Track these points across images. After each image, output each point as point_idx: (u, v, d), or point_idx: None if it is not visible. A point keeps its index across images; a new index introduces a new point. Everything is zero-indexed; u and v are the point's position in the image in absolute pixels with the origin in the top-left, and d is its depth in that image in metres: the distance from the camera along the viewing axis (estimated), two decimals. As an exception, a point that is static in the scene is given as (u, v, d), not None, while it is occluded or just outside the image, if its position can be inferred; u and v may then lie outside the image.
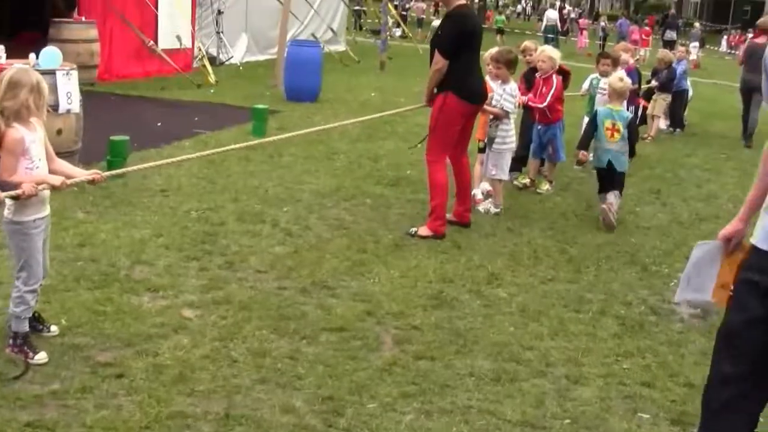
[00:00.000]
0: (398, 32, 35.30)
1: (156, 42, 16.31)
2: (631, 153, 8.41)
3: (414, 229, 7.30)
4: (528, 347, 5.20)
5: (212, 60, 18.93)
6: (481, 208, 8.19)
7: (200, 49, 16.69)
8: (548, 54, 9.28)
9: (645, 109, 13.54)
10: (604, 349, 5.27)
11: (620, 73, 9.71)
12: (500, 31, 38.01)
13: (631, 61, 12.35)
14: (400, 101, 14.45)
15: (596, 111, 8.66)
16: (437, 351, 5.05)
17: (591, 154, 8.65)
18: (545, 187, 9.37)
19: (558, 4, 50.45)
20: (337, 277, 6.19)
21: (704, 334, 5.63)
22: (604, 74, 10.59)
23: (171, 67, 16.29)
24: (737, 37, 50.88)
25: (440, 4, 18.32)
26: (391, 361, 4.86)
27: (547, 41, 34.68)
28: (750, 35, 46.06)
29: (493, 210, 8.22)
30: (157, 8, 16.64)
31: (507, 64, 8.02)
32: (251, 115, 11.42)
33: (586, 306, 5.96)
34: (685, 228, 8.32)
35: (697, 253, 4.08)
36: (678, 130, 14.68)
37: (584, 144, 8.41)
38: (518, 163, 9.65)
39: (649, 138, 13.35)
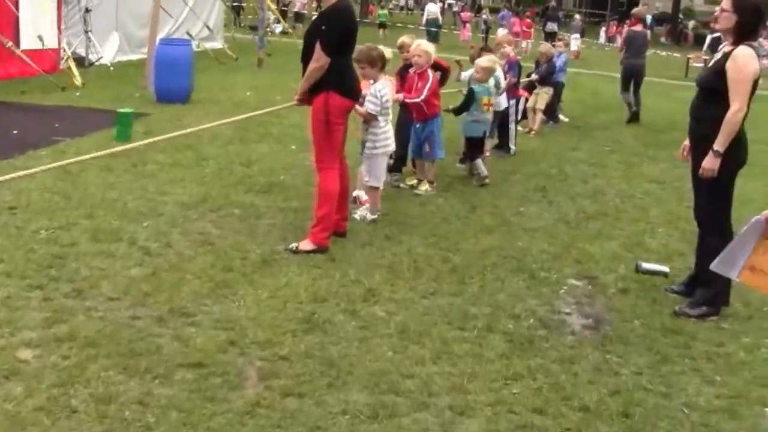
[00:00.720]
0: (278, 28, 34.51)
1: (17, 42, 15.27)
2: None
3: (294, 245, 6.70)
4: (408, 375, 4.69)
5: (81, 61, 17.97)
6: (357, 215, 7.67)
7: (65, 50, 15.66)
8: (423, 48, 8.84)
9: (527, 100, 13.28)
10: (491, 372, 4.80)
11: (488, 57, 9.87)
12: (382, 26, 37.69)
13: (512, 53, 12.04)
14: (277, 99, 13.77)
15: (472, 88, 9.43)
16: (307, 385, 4.49)
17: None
18: (424, 188, 8.93)
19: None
20: (198, 301, 5.56)
21: (597, 347, 5.25)
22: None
23: (34, 69, 15.28)
24: (615, 27, 51.84)
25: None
26: (255, 401, 4.28)
27: (429, 35, 34.57)
28: (626, 25, 47.16)
29: (369, 216, 7.70)
30: (17, 7, 15.61)
31: (369, 62, 7.48)
32: (115, 120, 10.63)
33: (471, 322, 5.49)
34: (573, 228, 7.98)
35: (748, 226, 3.92)
36: (551, 122, 14.47)
37: (457, 112, 9.41)
38: (399, 162, 9.21)
39: (533, 132, 13.09)
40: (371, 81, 7.51)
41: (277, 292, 5.76)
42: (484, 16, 41.07)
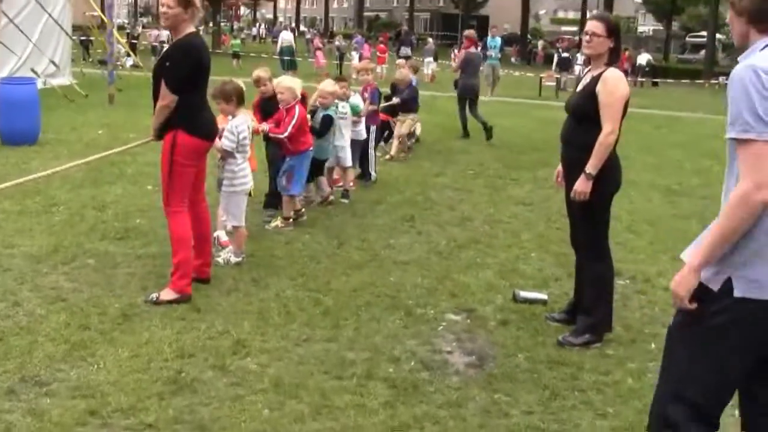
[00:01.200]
0: (129, 62, 33.56)
1: None
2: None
3: (155, 295, 6.30)
4: (287, 436, 4.38)
5: None
6: (219, 259, 7.30)
7: None
8: (285, 85, 8.54)
9: (388, 124, 13.21)
10: (376, 424, 4.53)
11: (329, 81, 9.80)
12: (236, 56, 37.23)
13: (370, 78, 11.88)
14: (130, 137, 13.21)
15: (328, 115, 9.37)
16: (178, 456, 4.12)
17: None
18: (274, 223, 8.66)
19: (291, 25, 50.25)
20: (53, 366, 5.09)
21: (483, 386, 5.07)
22: (344, 98, 10.07)
23: None
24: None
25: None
26: (120, 480, 3.89)
27: (283, 63, 34.32)
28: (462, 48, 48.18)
29: (233, 259, 7.35)
30: None
31: (224, 97, 7.18)
32: (-48, 168, 9.92)
33: (350, 369, 5.21)
34: (445, 258, 7.82)
35: None
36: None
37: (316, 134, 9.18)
38: (272, 198, 8.92)
39: (389, 157, 12.97)
40: (229, 117, 7.20)
41: (140, 350, 5.35)
42: (336, 43, 41.02)
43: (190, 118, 6.24)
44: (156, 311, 6.07)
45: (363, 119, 10.82)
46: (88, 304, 6.19)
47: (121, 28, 64.95)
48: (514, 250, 8.15)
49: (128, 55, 33.97)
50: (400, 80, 13.71)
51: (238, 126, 7.19)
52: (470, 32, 18.98)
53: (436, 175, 12.04)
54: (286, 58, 34.01)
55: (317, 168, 9.52)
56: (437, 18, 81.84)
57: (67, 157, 11.68)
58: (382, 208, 9.74)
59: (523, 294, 6.66)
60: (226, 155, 7.23)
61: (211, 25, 61.34)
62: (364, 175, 11.19)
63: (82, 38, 35.18)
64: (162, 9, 6.19)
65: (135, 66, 32.19)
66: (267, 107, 8.88)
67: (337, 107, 10.01)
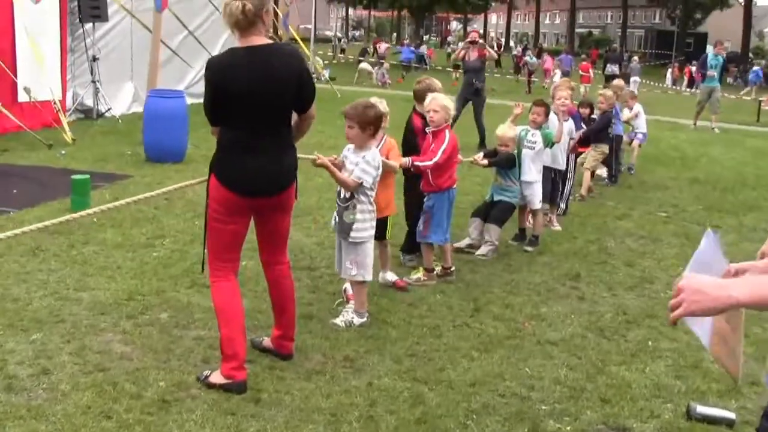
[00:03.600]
0: (327, 73, 33.11)
1: (13, 94, 13.95)
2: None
3: (206, 373, 4.92)
4: None
5: (89, 113, 16.63)
6: (339, 321, 5.88)
7: (55, 102, 14.20)
8: (441, 103, 6.97)
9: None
10: None
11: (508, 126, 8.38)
12: (457, 67, 35.97)
13: (569, 101, 9.97)
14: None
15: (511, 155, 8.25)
16: None
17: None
18: (415, 276, 7.15)
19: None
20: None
21: None
22: (536, 125, 8.44)
23: (39, 121, 13.89)
24: (677, 69, 49.49)
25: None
26: None
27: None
28: (693, 68, 44.82)
29: (356, 320, 5.92)
30: (15, 57, 14.29)
31: (361, 122, 5.76)
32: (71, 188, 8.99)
33: None
34: (606, 338, 5.99)
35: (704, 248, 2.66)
36: (607, 181, 12.50)
37: (495, 164, 8.20)
38: (414, 244, 7.44)
39: (579, 197, 11.05)
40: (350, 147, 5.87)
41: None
42: (525, 58, 38.42)
43: (221, 160, 4.82)
44: (205, 397, 4.69)
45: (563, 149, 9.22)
46: (129, 379, 4.89)
47: (327, 41, 65.94)
48: (702, 333, 6.19)
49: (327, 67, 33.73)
50: (607, 97, 11.80)
51: (376, 157, 5.83)
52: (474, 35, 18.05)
53: (618, 218, 10.08)
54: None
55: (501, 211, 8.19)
56: (652, 35, 77.83)
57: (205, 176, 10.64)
58: (543, 260, 7.97)
59: (702, 409, 4.78)
60: (358, 192, 5.82)
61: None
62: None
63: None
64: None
65: (332, 78, 31.73)
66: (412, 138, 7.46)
67: (526, 135, 8.43)
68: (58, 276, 6.71)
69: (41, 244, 7.48)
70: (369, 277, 6.02)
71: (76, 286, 6.49)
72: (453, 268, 7.23)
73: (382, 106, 6.49)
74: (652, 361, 5.58)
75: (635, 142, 13.84)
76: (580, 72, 32.36)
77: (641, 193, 11.86)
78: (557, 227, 9.19)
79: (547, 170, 8.87)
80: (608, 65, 34.04)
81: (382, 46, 39.77)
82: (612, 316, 6.45)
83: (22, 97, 14.04)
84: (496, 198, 8.25)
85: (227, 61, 4.78)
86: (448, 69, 36.76)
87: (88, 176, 9.06)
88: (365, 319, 5.96)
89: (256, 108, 4.68)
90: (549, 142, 8.48)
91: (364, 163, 5.81)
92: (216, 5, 19.95)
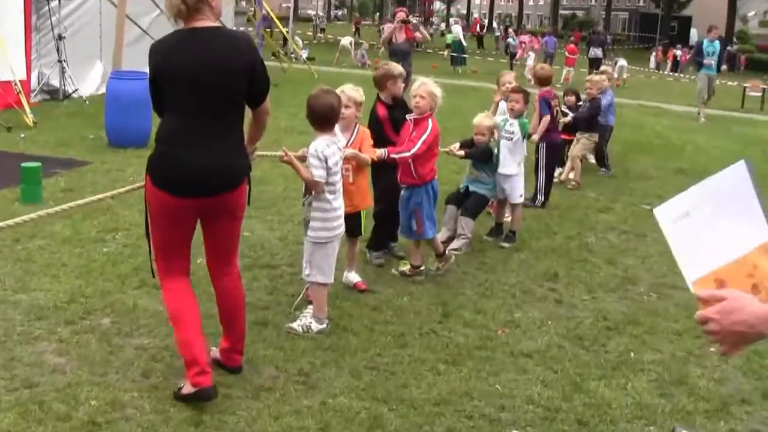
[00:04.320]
0: (305, 53, 32.43)
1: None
2: None
3: (181, 385, 4.46)
4: None
5: (54, 93, 16.04)
6: (296, 325, 5.42)
7: (16, 83, 13.59)
8: (429, 89, 6.52)
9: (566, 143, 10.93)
10: None
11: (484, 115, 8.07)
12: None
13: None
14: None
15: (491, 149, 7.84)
16: None
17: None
18: (403, 268, 6.83)
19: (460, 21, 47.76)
20: None
21: None
22: (515, 114, 7.98)
23: (2, 102, 13.29)
24: (661, 52, 49.01)
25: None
26: None
27: (451, 59, 32.33)
28: (678, 51, 44.36)
29: (314, 326, 5.45)
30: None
31: (308, 113, 5.38)
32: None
33: None
34: (585, 349, 5.54)
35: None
36: (604, 170, 12.06)
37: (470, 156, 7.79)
38: (383, 240, 7.01)
39: (573, 183, 10.67)
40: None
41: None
42: (508, 40, 37.69)
43: (154, 155, 4.35)
44: (140, 420, 4.23)
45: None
46: (58, 396, 4.43)
47: (308, 20, 65.13)
48: (686, 342, 5.75)
49: (305, 47, 33.14)
50: (596, 84, 11.42)
51: (321, 149, 5.28)
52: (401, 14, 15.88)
53: (600, 210, 9.63)
54: (454, 54, 32.17)
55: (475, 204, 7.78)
56: (636, 18, 77.53)
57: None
58: (520, 257, 7.52)
59: (685, 432, 4.36)
60: (314, 188, 5.36)
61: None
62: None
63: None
64: None
65: (311, 59, 31.14)
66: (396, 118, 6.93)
67: (504, 125, 7.97)
68: (-2, 274, 6.22)
69: (-18, 238, 6.97)
70: (326, 280, 5.53)
71: (16, 286, 5.99)
72: (423, 267, 6.80)
73: (351, 93, 6.06)
74: (634, 376, 5.14)
75: None
76: (566, 54, 31.83)
77: (624, 183, 11.42)
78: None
79: None
80: (591, 48, 33.42)
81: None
82: (592, 323, 6.00)
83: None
84: (471, 189, 7.81)
85: (166, 42, 4.31)
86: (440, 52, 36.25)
87: (39, 164, 8.53)
88: (324, 325, 5.49)
89: (192, 93, 4.22)
90: (525, 133, 8.02)
91: (309, 156, 5.33)
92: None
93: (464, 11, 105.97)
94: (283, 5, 40.39)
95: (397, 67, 7.07)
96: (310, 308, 5.63)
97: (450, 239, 7.58)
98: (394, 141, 6.75)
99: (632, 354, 5.49)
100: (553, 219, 9.01)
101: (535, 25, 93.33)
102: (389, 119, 6.87)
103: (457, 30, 34.41)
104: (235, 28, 23.00)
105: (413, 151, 6.43)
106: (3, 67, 13.50)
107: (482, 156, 7.73)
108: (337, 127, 5.52)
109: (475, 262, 7.27)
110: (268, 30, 29.11)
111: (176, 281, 4.48)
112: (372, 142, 6.38)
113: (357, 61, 32.51)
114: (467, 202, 7.73)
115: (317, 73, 24.11)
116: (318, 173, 5.28)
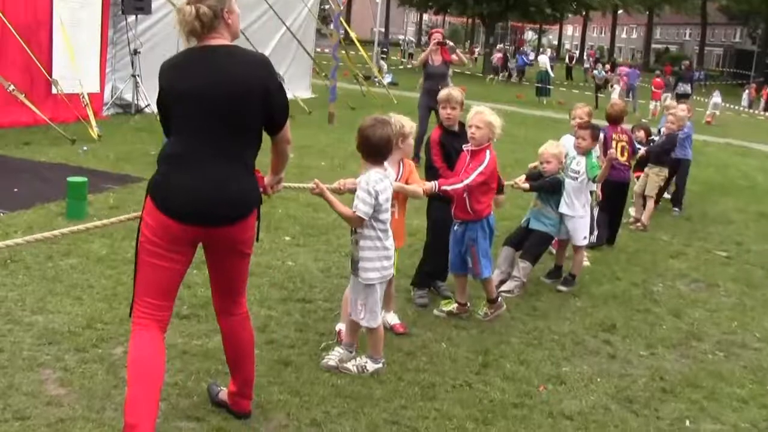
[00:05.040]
0: (388, 78, 32.33)
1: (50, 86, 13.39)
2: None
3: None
4: None
5: (127, 107, 16.04)
6: (351, 365, 5.12)
7: (83, 96, 13.56)
8: (486, 119, 6.02)
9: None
10: None
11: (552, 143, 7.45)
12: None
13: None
14: (321, 164, 11.46)
15: (559, 180, 7.29)
16: None
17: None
18: (448, 308, 6.36)
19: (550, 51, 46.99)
20: None
21: None
22: (582, 151, 7.47)
23: (71, 114, 13.27)
24: (755, 90, 47.40)
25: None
26: None
27: (537, 90, 31.76)
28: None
29: (370, 366, 5.13)
30: (51, 47, 13.79)
31: (359, 146, 5.03)
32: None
33: None
34: (634, 413, 4.97)
35: None
36: (677, 210, 11.43)
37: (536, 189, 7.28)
38: (429, 278, 6.58)
39: (641, 226, 10.04)
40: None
41: None
42: (598, 71, 36.75)
43: (157, 177, 3.98)
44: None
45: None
46: (47, 434, 4.07)
47: (395, 44, 65.20)
48: (752, 412, 5.15)
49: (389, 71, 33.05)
50: (676, 117, 10.74)
51: (374, 182, 4.90)
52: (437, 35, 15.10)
53: (671, 255, 9.00)
54: (539, 84, 31.65)
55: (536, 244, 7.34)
56: (731, 53, 75.65)
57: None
58: (576, 304, 6.98)
59: None
60: (353, 224, 5.00)
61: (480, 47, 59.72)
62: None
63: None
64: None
65: (394, 84, 31.00)
66: (450, 146, 6.47)
67: (570, 163, 7.45)
68: (20, 293, 5.96)
69: (17, 253, 6.74)
70: (376, 324, 5.15)
71: (35, 307, 5.72)
72: (469, 305, 6.34)
73: (399, 125, 5.63)
74: (689, 450, 4.59)
75: None
76: (653, 88, 30.92)
77: (701, 227, 10.73)
78: (586, 262, 8.23)
79: None
80: (680, 84, 32.56)
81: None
82: (646, 383, 5.44)
83: (69, 88, 13.50)
84: (532, 225, 7.32)
85: (176, 60, 3.98)
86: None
87: (84, 179, 8.31)
88: (381, 365, 5.17)
89: (201, 114, 3.86)
90: (593, 175, 7.46)
91: (359, 189, 4.94)
92: (270, 3, 19.28)
93: (555, 41, 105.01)
94: (374, 29, 40.39)
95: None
96: (338, 350, 5.24)
97: (502, 283, 7.10)
98: (439, 168, 6.32)
99: (688, 422, 4.93)
100: (619, 263, 8.42)
101: (627, 58, 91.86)
102: (440, 144, 6.43)
103: (545, 60, 33.76)
104: (318, 50, 22.94)
105: (466, 182, 5.96)
106: (72, 80, 13.48)
107: (549, 188, 7.23)
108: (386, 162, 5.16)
109: (527, 306, 6.77)
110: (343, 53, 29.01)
111: (147, 329, 4.02)
112: (418, 176, 5.95)
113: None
114: (527, 243, 7.24)
115: (397, 98, 23.79)
116: (364, 209, 4.89)
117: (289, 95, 16.47)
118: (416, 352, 5.56)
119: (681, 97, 30.46)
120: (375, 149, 4.92)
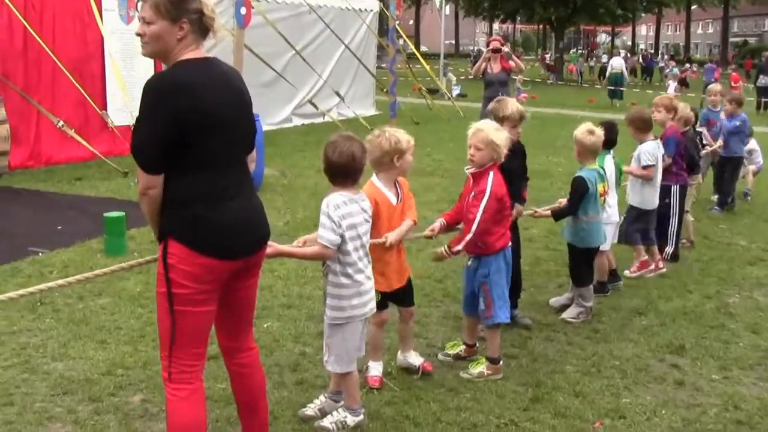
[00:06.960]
0: (457, 90, 31.96)
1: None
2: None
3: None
4: None
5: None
6: (328, 423, 4.50)
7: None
8: (485, 136, 5.22)
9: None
10: None
11: (588, 125, 6.49)
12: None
13: (670, 120, 8.25)
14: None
15: (580, 176, 6.40)
16: None
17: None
18: (477, 369, 5.32)
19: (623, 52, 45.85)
20: None
21: None
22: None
23: (126, 147, 13.14)
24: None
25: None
26: None
27: (609, 93, 30.92)
28: None
29: (350, 420, 4.52)
30: (104, 79, 13.76)
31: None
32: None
33: None
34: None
35: None
36: (716, 208, 10.71)
37: (558, 216, 6.61)
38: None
39: (687, 243, 8.88)
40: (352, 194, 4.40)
41: None
42: (666, 70, 35.30)
43: (186, 219, 3.44)
44: None
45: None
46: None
47: (466, 56, 64.65)
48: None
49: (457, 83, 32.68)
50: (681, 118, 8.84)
51: (334, 205, 4.26)
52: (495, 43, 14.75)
53: (750, 262, 8.30)
54: (611, 87, 30.81)
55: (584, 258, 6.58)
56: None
57: (276, 209, 9.63)
58: (641, 323, 6.39)
59: None
60: (330, 256, 4.34)
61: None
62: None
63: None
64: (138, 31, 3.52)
65: (463, 95, 30.62)
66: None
67: (603, 160, 6.86)
68: (43, 338, 5.68)
69: (49, 294, 6.47)
70: (344, 370, 4.49)
71: (56, 353, 5.43)
72: (477, 346, 5.65)
73: (394, 140, 4.88)
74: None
75: (752, 167, 11.99)
76: (731, 83, 29.78)
77: (785, 229, 9.99)
78: (663, 269, 7.61)
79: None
80: (761, 76, 31.24)
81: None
82: (717, 413, 4.85)
83: (109, 122, 13.42)
84: (567, 240, 6.69)
85: (188, 78, 3.40)
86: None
87: (122, 214, 8.04)
88: (361, 417, 4.54)
89: (233, 139, 3.53)
90: (620, 178, 6.83)
91: (321, 214, 4.30)
92: (327, 22, 19.01)
93: (629, 42, 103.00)
94: (446, 42, 40.16)
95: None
96: (321, 398, 4.74)
97: (564, 307, 6.55)
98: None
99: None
100: (691, 274, 7.78)
101: (704, 54, 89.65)
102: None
103: (619, 62, 32.86)
104: (384, 66, 22.55)
105: (472, 232, 5.19)
106: (124, 112, 13.35)
107: (570, 209, 6.50)
108: (380, 181, 4.68)
109: (587, 329, 6.21)
110: (400, 66, 28.65)
111: (192, 385, 3.59)
112: (413, 201, 5.24)
113: (515, 97, 31.50)
114: (570, 268, 6.67)
115: (464, 110, 23.27)
116: (327, 236, 4.21)
117: (350, 114, 16.35)
118: (459, 387, 5.08)
119: (761, 90, 29.36)
120: (335, 169, 4.29)
